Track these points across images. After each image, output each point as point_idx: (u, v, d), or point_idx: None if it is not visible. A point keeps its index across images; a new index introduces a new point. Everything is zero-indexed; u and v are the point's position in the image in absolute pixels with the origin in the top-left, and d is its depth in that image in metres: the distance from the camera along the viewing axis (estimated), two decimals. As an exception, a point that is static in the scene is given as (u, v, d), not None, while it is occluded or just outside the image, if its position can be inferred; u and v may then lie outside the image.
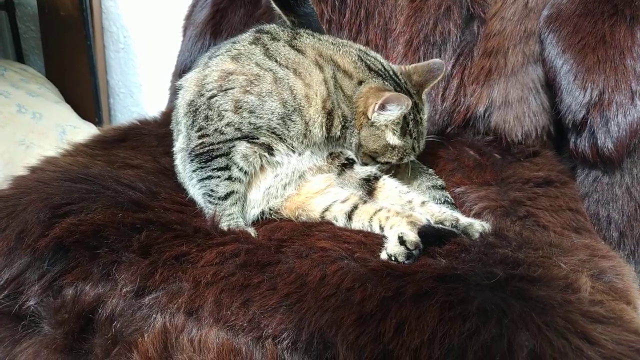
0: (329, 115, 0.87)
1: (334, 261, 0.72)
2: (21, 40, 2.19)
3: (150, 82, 2.08)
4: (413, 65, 0.97)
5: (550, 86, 1.10)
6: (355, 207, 0.88)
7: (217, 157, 0.85)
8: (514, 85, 1.12)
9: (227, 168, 0.85)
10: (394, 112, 0.86)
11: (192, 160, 0.87)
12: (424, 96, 0.96)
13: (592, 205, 1.08)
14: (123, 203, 0.82)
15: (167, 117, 1.24)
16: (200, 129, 0.86)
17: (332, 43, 0.92)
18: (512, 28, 1.10)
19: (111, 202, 0.82)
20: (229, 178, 0.86)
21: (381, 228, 0.84)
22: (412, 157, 0.96)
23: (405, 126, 0.91)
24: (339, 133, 0.89)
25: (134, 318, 0.71)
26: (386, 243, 0.78)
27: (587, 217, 1.02)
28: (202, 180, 0.86)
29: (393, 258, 0.74)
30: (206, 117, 0.85)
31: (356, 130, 0.90)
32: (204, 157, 0.86)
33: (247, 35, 0.92)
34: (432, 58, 1.16)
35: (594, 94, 1.01)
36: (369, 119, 0.88)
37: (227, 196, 0.86)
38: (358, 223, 0.87)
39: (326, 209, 0.89)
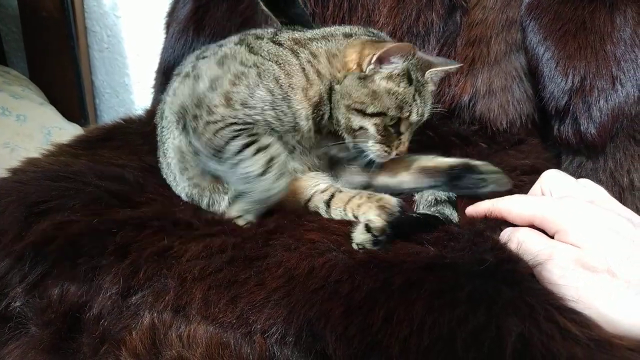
0: (316, 107, 0.85)
1: (322, 254, 0.71)
2: (3, 42, 2.16)
3: (135, 81, 2.06)
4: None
5: (533, 74, 1.10)
6: (332, 196, 0.88)
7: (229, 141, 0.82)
8: (498, 74, 1.12)
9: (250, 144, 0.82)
10: (398, 65, 0.79)
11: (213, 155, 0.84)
12: (428, 73, 0.86)
13: (578, 191, 1.09)
14: (103, 198, 0.82)
15: (152, 115, 1.23)
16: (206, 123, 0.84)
17: (314, 31, 0.90)
18: (494, 17, 1.11)
19: (90, 198, 0.81)
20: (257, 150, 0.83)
21: (355, 216, 0.84)
22: (414, 116, 0.84)
23: (409, 74, 0.82)
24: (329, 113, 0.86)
25: (121, 316, 0.71)
26: (353, 233, 0.77)
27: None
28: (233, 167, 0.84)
29: (361, 247, 0.74)
30: (195, 117, 0.84)
31: (336, 86, 0.83)
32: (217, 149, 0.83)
33: (233, 37, 0.92)
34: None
35: (575, 80, 1.02)
36: (362, 70, 0.81)
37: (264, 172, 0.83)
38: (336, 211, 0.86)
39: (308, 200, 0.89)
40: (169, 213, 0.84)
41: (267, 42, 0.87)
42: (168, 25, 1.38)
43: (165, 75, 1.32)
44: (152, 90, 1.45)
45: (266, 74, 0.83)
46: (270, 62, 0.85)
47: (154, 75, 1.48)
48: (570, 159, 1.10)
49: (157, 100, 1.38)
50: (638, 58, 1.01)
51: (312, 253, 0.72)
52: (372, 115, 0.81)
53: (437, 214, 0.82)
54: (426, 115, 0.87)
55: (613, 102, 1.01)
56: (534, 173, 1.03)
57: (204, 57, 0.90)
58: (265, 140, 0.83)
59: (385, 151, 0.84)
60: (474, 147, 1.12)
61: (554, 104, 1.06)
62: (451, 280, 0.64)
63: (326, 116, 0.86)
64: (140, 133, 1.11)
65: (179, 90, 0.90)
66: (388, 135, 0.83)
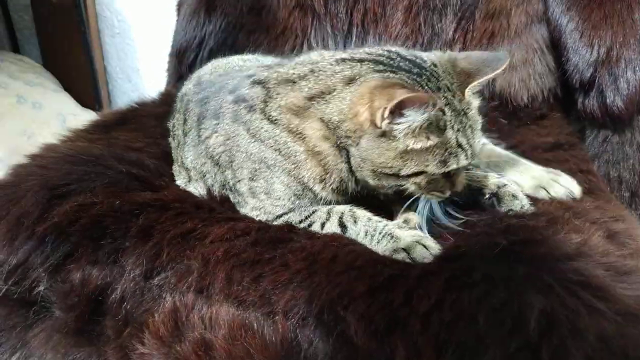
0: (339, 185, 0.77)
1: (345, 245, 0.72)
2: (15, 30, 2.17)
3: (148, 65, 2.05)
4: (467, 53, 0.76)
5: (556, 46, 1.07)
6: None
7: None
8: (518, 47, 1.09)
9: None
10: (416, 118, 0.65)
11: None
12: (468, 91, 0.71)
13: (602, 166, 1.07)
14: (123, 181, 0.82)
15: (165, 97, 1.23)
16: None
17: (307, 74, 0.75)
18: (514, -13, 1.07)
19: (111, 181, 0.82)
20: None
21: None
22: (464, 162, 0.70)
23: (438, 122, 0.67)
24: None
25: (143, 299, 0.71)
26: None
27: (598, 176, 1.00)
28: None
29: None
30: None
31: (352, 144, 0.71)
32: None
33: (226, 107, 0.81)
34: (432, 24, 1.14)
35: (601, 51, 0.99)
36: (376, 127, 0.68)
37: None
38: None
39: None
40: (190, 197, 0.84)
41: (261, 120, 0.76)
42: (179, 6, 1.36)
43: (178, 58, 1.31)
44: (167, 73, 1.44)
45: (276, 167, 0.76)
46: (273, 152, 0.76)
47: (167, 58, 1.47)
48: (595, 133, 1.07)
49: (170, 83, 1.37)
50: (668, 25, 0.97)
51: (335, 243, 0.72)
52: (409, 176, 0.70)
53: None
54: (478, 150, 0.73)
55: (641, 73, 0.97)
56: (557, 149, 1.01)
57: (204, 118, 0.84)
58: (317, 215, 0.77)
59: (438, 196, 0.74)
60: (494, 124, 1.09)
61: (578, 76, 1.03)
62: (466, 266, 0.64)
63: (351, 184, 0.77)
64: (154, 115, 1.11)
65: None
66: (435, 184, 0.72)
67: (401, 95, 0.63)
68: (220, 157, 0.81)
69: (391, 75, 0.69)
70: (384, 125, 0.66)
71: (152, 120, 1.10)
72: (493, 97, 1.13)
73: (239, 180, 0.80)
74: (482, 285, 0.60)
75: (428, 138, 0.67)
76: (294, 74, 0.76)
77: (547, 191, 0.84)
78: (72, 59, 2.04)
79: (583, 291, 0.59)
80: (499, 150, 0.90)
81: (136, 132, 1.05)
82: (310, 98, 0.73)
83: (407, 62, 0.71)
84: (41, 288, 0.75)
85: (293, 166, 0.75)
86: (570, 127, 1.10)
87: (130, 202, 0.78)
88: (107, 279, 0.72)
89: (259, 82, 0.78)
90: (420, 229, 0.76)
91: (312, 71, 0.75)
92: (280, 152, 0.75)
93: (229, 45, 1.24)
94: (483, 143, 0.90)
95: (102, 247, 0.74)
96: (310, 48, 1.22)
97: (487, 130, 1.05)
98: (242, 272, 0.67)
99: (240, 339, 0.64)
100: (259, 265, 0.68)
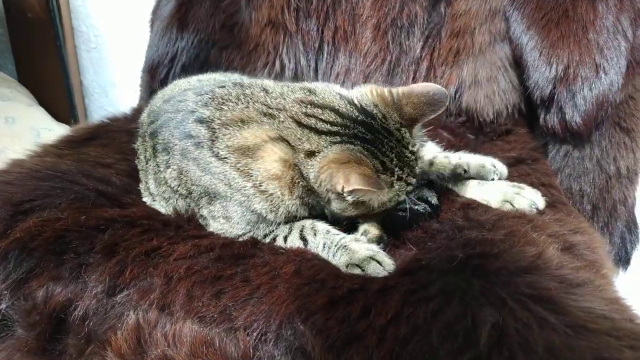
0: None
1: (309, 259, 0.73)
2: (-10, 44, 2.15)
3: (124, 80, 2.05)
4: (409, 88, 0.77)
5: (518, 63, 1.10)
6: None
7: None
8: (483, 65, 1.12)
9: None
10: (366, 197, 0.73)
11: None
12: (414, 131, 0.78)
13: (565, 180, 1.10)
14: (90, 197, 0.82)
15: (138, 113, 1.22)
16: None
17: (265, 113, 0.77)
18: (478, 7, 1.10)
19: (77, 197, 0.81)
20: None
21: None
22: (410, 189, 0.79)
23: (388, 179, 0.75)
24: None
25: (106, 316, 0.71)
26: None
27: (560, 190, 1.03)
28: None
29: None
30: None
31: (324, 199, 0.77)
32: None
33: (174, 142, 0.82)
34: (400, 42, 1.16)
35: (559, 68, 1.02)
36: (340, 194, 0.74)
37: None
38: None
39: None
40: (157, 214, 0.85)
41: (210, 156, 0.77)
42: (152, 22, 1.37)
43: (150, 73, 1.32)
44: (139, 88, 1.44)
45: (228, 198, 0.78)
46: (224, 186, 0.77)
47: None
48: (557, 148, 1.10)
49: (143, 99, 1.37)
50: (621, 45, 1.01)
51: (299, 258, 0.73)
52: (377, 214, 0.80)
53: (420, 208, 0.82)
54: (418, 176, 0.82)
55: (597, 90, 1.00)
56: (520, 164, 1.04)
57: (156, 151, 0.86)
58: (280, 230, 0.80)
59: None
60: (461, 139, 1.12)
61: (539, 93, 1.06)
62: (424, 279, 0.66)
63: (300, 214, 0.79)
64: (126, 131, 1.11)
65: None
66: None
67: (354, 184, 0.69)
68: (177, 189, 0.83)
69: (349, 146, 0.74)
70: (345, 195, 0.73)
71: (124, 135, 1.10)
72: (460, 113, 1.15)
73: (200, 207, 0.82)
74: (438, 300, 0.62)
75: (387, 194, 0.75)
76: (243, 113, 0.78)
77: (512, 204, 0.88)
78: (48, 73, 2.03)
79: (534, 304, 0.60)
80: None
81: (107, 148, 1.05)
82: (267, 140, 0.76)
83: (361, 128, 0.75)
84: (3, 306, 0.74)
85: (244, 199, 0.77)
86: (535, 142, 1.13)
87: (96, 218, 0.78)
88: (70, 295, 0.72)
89: (202, 121, 0.79)
90: (380, 241, 0.78)
91: (271, 116, 0.77)
92: (230, 186, 0.77)
93: (201, 61, 1.25)
94: (445, 156, 0.94)
95: (65, 263, 0.74)
96: (282, 65, 1.24)
97: (454, 145, 1.09)
98: (203, 288, 0.68)
99: (202, 356, 0.64)
100: (220, 281, 0.68)
